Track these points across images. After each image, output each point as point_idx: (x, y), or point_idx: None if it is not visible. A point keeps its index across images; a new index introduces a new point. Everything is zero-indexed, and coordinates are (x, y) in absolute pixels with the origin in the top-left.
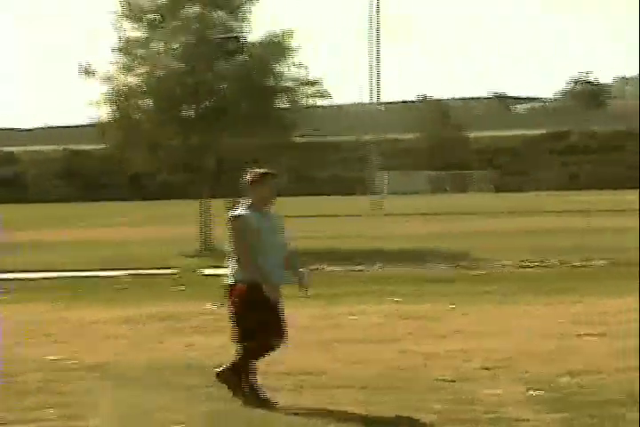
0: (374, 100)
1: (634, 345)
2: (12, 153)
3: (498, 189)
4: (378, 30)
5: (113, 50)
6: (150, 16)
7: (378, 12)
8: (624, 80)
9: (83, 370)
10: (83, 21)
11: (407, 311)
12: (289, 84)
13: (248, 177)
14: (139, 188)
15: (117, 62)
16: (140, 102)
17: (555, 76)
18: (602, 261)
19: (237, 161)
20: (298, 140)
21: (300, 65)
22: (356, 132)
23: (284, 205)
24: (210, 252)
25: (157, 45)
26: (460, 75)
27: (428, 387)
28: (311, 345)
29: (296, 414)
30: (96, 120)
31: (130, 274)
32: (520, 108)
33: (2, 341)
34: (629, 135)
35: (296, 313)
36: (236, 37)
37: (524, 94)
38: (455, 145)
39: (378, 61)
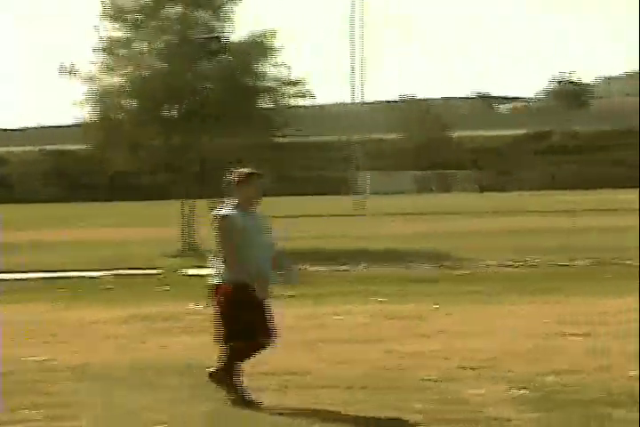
0: (358, 99)
1: (617, 345)
2: None
3: (482, 189)
4: (362, 30)
5: (95, 50)
6: (132, 16)
7: (361, 11)
8: (607, 80)
9: (68, 371)
10: (80, 21)
11: (392, 311)
12: (271, 84)
13: (234, 177)
14: (123, 188)
15: (99, 62)
16: (121, 102)
17: (539, 76)
18: (586, 261)
19: (220, 161)
20: (281, 140)
21: (282, 65)
22: (339, 132)
23: (266, 206)
24: (193, 252)
25: (139, 45)
26: (445, 74)
27: (412, 387)
28: (296, 345)
29: (280, 414)
30: (81, 120)
31: (113, 274)
32: (503, 108)
33: None
34: (613, 134)
35: (281, 313)
36: (217, 37)
37: (507, 94)
38: (439, 145)
39: (362, 61)
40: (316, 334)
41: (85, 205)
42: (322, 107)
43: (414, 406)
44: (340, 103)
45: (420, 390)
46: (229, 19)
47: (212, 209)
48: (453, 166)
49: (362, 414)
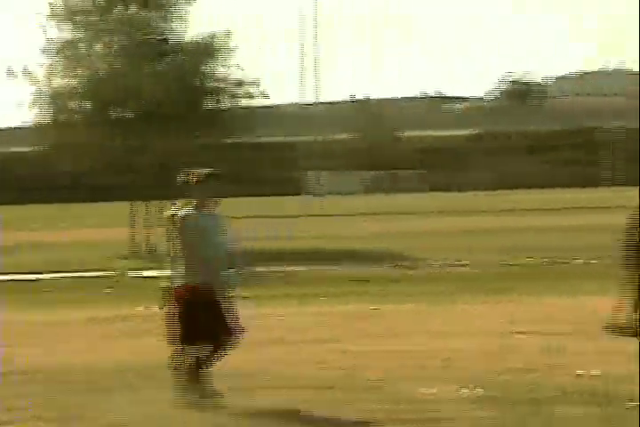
0: (311, 100)
1: (571, 343)
2: None
3: (433, 189)
4: (315, 30)
5: (43, 51)
6: (79, 17)
7: (315, 11)
8: (558, 80)
9: (20, 374)
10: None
11: (342, 311)
12: (222, 84)
13: (191, 178)
14: (78, 189)
15: (48, 64)
16: (72, 104)
17: (493, 76)
18: (538, 261)
19: (174, 162)
20: (233, 140)
21: (235, 66)
22: (292, 132)
23: (220, 206)
24: (148, 254)
25: (87, 47)
26: (398, 74)
27: (364, 387)
28: (248, 346)
29: (232, 414)
30: (29, 122)
31: (61, 277)
32: (454, 107)
33: None
34: (564, 134)
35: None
36: (166, 39)
37: (461, 94)
38: (390, 145)
39: (315, 61)
40: (266, 335)
41: (37, 207)
42: (276, 107)
43: (365, 406)
44: (295, 103)
45: (371, 390)
46: (181, 20)
47: (165, 210)
48: (405, 166)
49: (314, 414)
